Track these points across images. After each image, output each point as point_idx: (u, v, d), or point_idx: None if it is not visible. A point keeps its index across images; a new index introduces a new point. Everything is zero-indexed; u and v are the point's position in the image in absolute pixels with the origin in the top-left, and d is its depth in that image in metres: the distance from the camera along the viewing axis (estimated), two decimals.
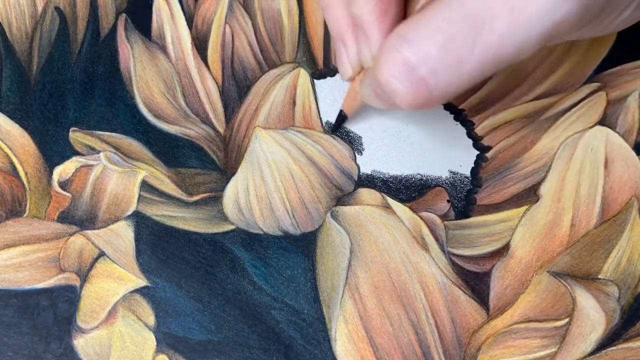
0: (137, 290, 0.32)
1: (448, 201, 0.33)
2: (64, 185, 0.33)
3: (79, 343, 0.31)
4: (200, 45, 0.36)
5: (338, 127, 0.34)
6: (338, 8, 0.30)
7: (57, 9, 0.36)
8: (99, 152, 0.33)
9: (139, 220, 0.33)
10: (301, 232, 0.32)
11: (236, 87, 0.35)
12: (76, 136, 0.34)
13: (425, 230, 0.32)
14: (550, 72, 0.35)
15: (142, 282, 0.32)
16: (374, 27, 0.28)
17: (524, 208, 0.32)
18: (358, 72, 0.31)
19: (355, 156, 0.34)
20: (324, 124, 0.34)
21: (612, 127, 0.33)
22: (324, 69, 0.35)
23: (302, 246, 0.32)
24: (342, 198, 0.33)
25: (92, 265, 0.32)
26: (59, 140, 0.34)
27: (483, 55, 0.25)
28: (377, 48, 0.28)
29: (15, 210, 0.33)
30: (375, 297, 0.31)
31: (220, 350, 0.31)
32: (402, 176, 0.33)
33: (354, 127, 0.34)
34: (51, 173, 0.33)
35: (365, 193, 0.33)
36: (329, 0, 0.30)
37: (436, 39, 0.25)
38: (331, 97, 0.35)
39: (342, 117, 0.34)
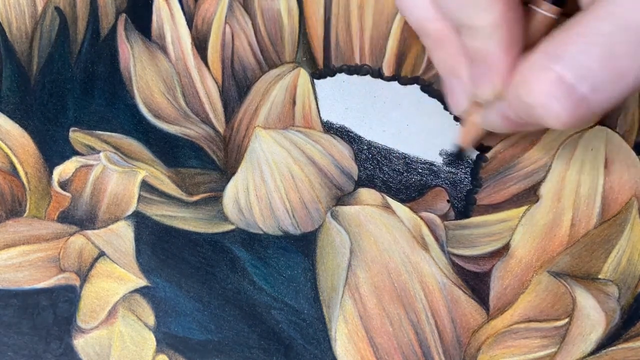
0: (137, 290, 0.32)
1: (448, 201, 0.33)
2: (64, 185, 0.33)
3: (79, 343, 0.31)
4: (200, 45, 0.36)
5: (460, 160, 0.33)
6: (451, 42, 0.28)
7: (57, 9, 0.36)
8: (99, 152, 0.33)
9: (139, 220, 0.33)
10: (301, 232, 0.32)
11: (236, 87, 0.35)
12: (76, 136, 0.34)
13: (425, 230, 0.32)
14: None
15: (142, 282, 0.32)
16: (500, 61, 0.26)
17: (524, 208, 0.32)
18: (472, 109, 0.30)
19: (355, 156, 0.34)
20: (323, 124, 0.34)
21: (612, 127, 0.33)
22: (324, 69, 0.35)
23: (302, 246, 0.32)
24: (342, 198, 0.33)
25: (92, 265, 0.32)
26: (59, 140, 0.34)
27: None
28: (501, 83, 0.27)
29: (15, 210, 0.33)
30: (375, 297, 0.31)
31: (220, 350, 0.31)
32: (402, 176, 0.33)
33: (354, 127, 0.34)
34: (51, 173, 0.33)
35: (365, 193, 0.33)
36: (439, 35, 0.28)
37: (594, 53, 0.24)
38: (331, 97, 0.35)
39: (461, 153, 0.33)
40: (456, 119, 0.34)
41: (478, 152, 0.34)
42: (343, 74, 0.35)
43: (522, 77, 0.26)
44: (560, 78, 0.24)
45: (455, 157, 0.33)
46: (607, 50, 0.24)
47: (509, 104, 0.27)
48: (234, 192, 0.33)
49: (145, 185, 0.33)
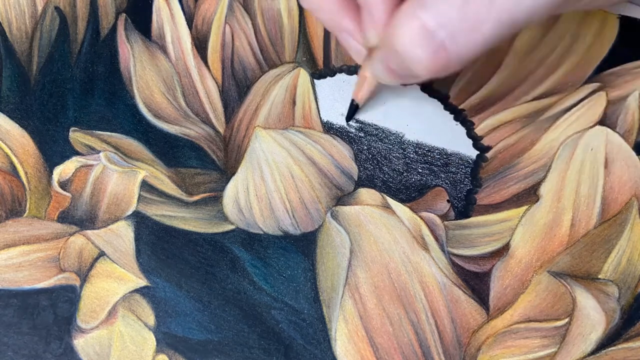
0: (137, 290, 0.32)
1: (448, 201, 0.33)
2: (64, 185, 0.33)
3: (79, 343, 0.31)
4: (200, 45, 0.36)
5: (352, 117, 0.34)
6: (330, 1, 0.30)
7: (57, 8, 0.36)
8: (99, 152, 0.34)
9: (139, 220, 0.33)
10: (301, 232, 0.32)
11: (236, 87, 0.35)
12: (76, 136, 0.34)
13: (425, 230, 0.32)
14: (550, 72, 0.35)
15: (142, 282, 0.32)
16: (379, 6, 0.28)
17: (524, 208, 0.32)
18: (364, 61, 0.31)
19: (355, 156, 0.34)
20: (323, 124, 0.34)
21: (612, 127, 0.33)
22: (324, 69, 0.35)
23: (302, 246, 0.32)
24: (342, 198, 0.33)
25: (92, 265, 0.32)
26: (59, 140, 0.34)
27: (499, 17, 0.25)
28: (381, 28, 0.28)
29: (15, 210, 0.33)
30: (375, 297, 0.31)
31: (220, 350, 0.31)
32: (402, 176, 0.33)
33: (354, 127, 0.34)
34: (51, 173, 0.33)
35: (365, 193, 0.33)
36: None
37: (454, 2, 0.25)
38: (331, 97, 0.35)
39: (354, 106, 0.34)
40: (456, 118, 0.34)
41: (478, 152, 0.34)
42: (343, 74, 0.35)
43: (394, 24, 0.27)
44: (423, 25, 0.25)
45: (350, 112, 0.34)
46: (466, 2, 0.25)
47: (386, 52, 0.28)
48: (234, 192, 0.33)
49: (145, 185, 0.33)
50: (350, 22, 0.30)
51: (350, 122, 0.34)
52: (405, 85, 0.34)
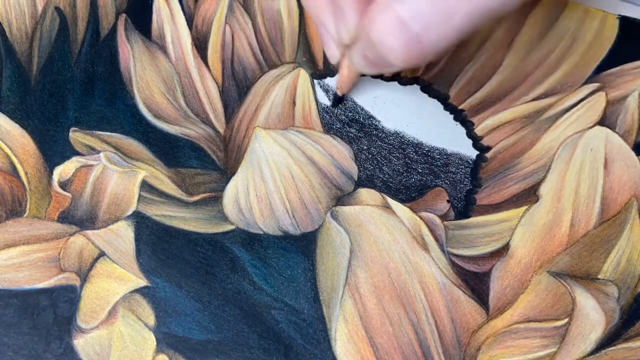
0: (137, 290, 0.32)
1: (448, 201, 0.33)
2: (64, 185, 0.33)
3: (79, 343, 0.31)
4: (200, 45, 0.36)
5: (337, 104, 0.34)
6: None
7: (57, 9, 0.36)
8: (99, 152, 0.34)
9: (139, 220, 0.33)
10: (301, 232, 0.32)
11: (236, 87, 0.35)
12: (76, 136, 0.34)
13: (425, 230, 0.32)
14: (550, 72, 0.35)
15: (142, 282, 0.32)
16: (350, 4, 0.29)
17: (523, 208, 0.32)
18: (343, 53, 0.32)
19: (355, 156, 0.34)
20: (323, 124, 0.34)
21: (612, 127, 0.33)
22: (324, 69, 0.35)
23: (302, 246, 0.32)
24: (342, 198, 0.33)
25: (92, 265, 0.32)
26: (59, 140, 0.34)
27: (471, 7, 0.25)
28: (354, 25, 0.29)
29: (15, 210, 0.33)
30: (375, 297, 0.31)
31: (220, 350, 0.31)
32: (402, 176, 0.33)
33: (354, 127, 0.34)
34: (51, 173, 0.33)
35: (365, 193, 0.33)
36: None
37: None
38: (331, 96, 0.35)
39: (338, 97, 0.34)
40: (456, 118, 0.34)
41: (478, 152, 0.34)
42: None
43: (370, 15, 0.27)
44: (398, 17, 0.26)
45: (333, 103, 0.34)
46: None
47: (362, 43, 0.29)
48: (234, 192, 0.33)
49: (145, 185, 0.33)
50: (331, 20, 0.30)
51: (351, 123, 0.34)
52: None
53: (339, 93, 0.34)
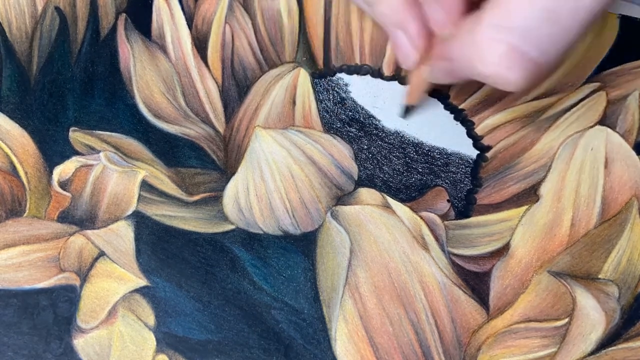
0: (137, 290, 0.32)
1: (448, 201, 0.33)
2: (63, 185, 0.33)
3: (79, 343, 0.31)
4: (200, 45, 0.36)
5: (407, 114, 0.34)
6: None
7: (57, 8, 0.36)
8: (99, 151, 0.33)
9: (139, 220, 0.33)
10: (301, 231, 0.32)
11: (236, 87, 0.35)
12: (76, 136, 0.34)
13: (425, 230, 0.32)
14: (550, 72, 0.35)
15: (142, 282, 0.32)
16: (444, 13, 0.27)
17: (524, 208, 0.32)
18: (424, 56, 0.31)
19: (355, 156, 0.34)
20: (323, 124, 0.34)
21: (612, 127, 0.33)
22: (324, 69, 0.35)
23: (302, 246, 0.32)
24: (342, 198, 0.33)
25: (92, 265, 0.32)
26: (59, 140, 0.34)
27: (582, 18, 0.24)
28: (454, 23, 0.27)
29: (15, 210, 0.33)
30: (375, 296, 0.31)
31: (220, 350, 0.31)
32: (402, 176, 0.33)
33: (354, 127, 0.34)
34: (51, 173, 0.33)
35: (365, 193, 0.33)
36: None
37: (538, 16, 0.24)
38: (331, 97, 0.35)
39: (409, 110, 0.34)
40: (456, 118, 0.34)
41: (478, 152, 0.34)
42: (343, 74, 0.35)
43: (472, 45, 0.26)
44: (511, 49, 0.25)
45: (404, 114, 0.34)
46: (550, 12, 0.24)
47: (457, 64, 0.28)
48: (234, 191, 0.33)
49: (145, 185, 0.33)
50: (414, 23, 0.29)
51: (351, 122, 0.34)
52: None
53: (409, 102, 0.34)
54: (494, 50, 0.25)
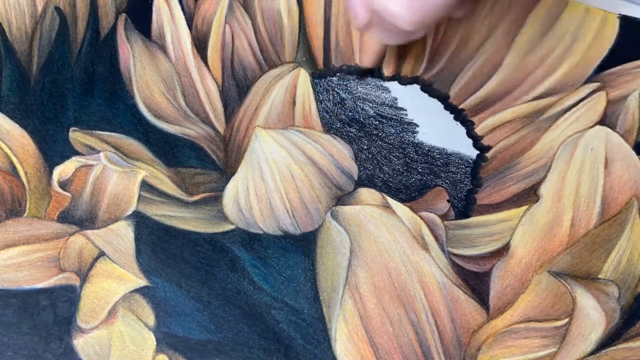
0: (137, 290, 0.32)
1: (448, 201, 0.33)
2: (63, 185, 0.33)
3: (79, 343, 0.31)
4: (200, 45, 0.36)
5: (365, 76, 0.35)
6: None
7: (57, 8, 0.36)
8: (99, 151, 0.33)
9: (139, 220, 0.33)
10: (301, 231, 0.32)
11: (236, 87, 0.35)
12: (76, 136, 0.34)
13: (425, 230, 0.32)
14: (550, 72, 0.35)
15: (142, 282, 0.32)
16: None
17: (524, 208, 0.32)
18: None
19: (355, 156, 0.34)
20: (323, 124, 0.34)
21: (612, 127, 0.33)
22: (324, 69, 0.35)
23: (302, 246, 0.32)
24: (342, 198, 0.33)
25: (92, 265, 0.32)
26: (59, 140, 0.34)
27: None
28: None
29: (15, 210, 0.33)
30: (375, 296, 0.31)
31: (220, 350, 0.31)
32: (402, 176, 0.33)
33: (354, 127, 0.34)
34: (51, 173, 0.33)
35: (365, 193, 0.33)
36: None
37: None
38: (331, 97, 0.35)
39: (365, 72, 0.35)
40: (456, 118, 0.34)
41: (478, 152, 0.34)
42: (343, 73, 0.35)
43: None
44: None
45: (360, 75, 0.35)
46: None
47: (377, 17, 0.30)
48: (234, 192, 0.33)
49: (145, 185, 0.33)
50: None
51: (351, 122, 0.34)
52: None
53: (363, 64, 0.35)
54: None
